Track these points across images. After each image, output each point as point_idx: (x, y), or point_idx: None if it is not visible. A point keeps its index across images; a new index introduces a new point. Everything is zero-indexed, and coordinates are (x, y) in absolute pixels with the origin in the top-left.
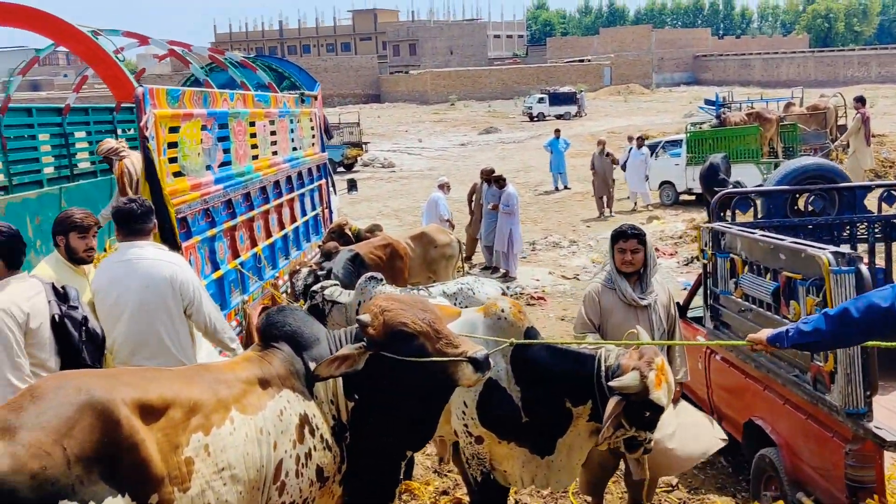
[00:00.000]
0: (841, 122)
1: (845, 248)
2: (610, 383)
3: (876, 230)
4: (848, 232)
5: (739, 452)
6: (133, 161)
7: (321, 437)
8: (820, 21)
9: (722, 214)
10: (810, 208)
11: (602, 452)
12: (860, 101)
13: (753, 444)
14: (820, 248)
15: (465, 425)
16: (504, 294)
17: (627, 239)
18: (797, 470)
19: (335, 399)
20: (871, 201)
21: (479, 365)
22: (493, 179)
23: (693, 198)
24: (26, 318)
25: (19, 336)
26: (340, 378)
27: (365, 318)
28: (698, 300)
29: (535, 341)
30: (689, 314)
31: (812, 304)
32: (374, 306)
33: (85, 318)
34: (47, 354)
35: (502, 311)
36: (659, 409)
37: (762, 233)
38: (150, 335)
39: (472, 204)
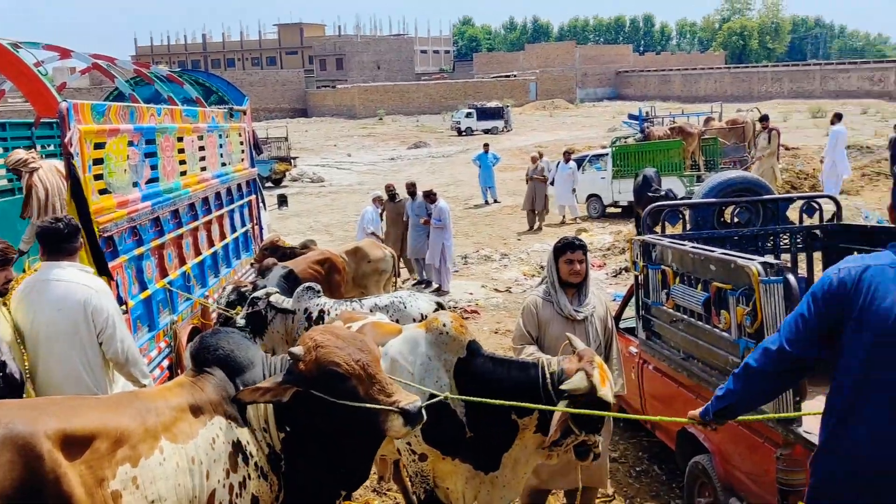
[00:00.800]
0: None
1: (770, 258)
2: (561, 387)
3: (798, 240)
4: (772, 242)
5: (673, 461)
6: (45, 174)
7: (255, 465)
8: (735, 38)
9: (652, 227)
10: (736, 220)
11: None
12: (765, 119)
13: (687, 452)
14: (749, 258)
15: (409, 443)
16: (440, 307)
17: (575, 250)
18: (730, 476)
19: (267, 427)
20: (792, 213)
21: (411, 418)
22: (424, 194)
23: (619, 210)
24: None
25: None
26: (271, 407)
27: (298, 351)
28: (630, 311)
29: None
30: (622, 325)
31: (742, 314)
32: (310, 339)
33: (3, 364)
34: None
35: (444, 325)
36: (606, 408)
37: (692, 245)
38: (64, 360)
39: (386, 221)
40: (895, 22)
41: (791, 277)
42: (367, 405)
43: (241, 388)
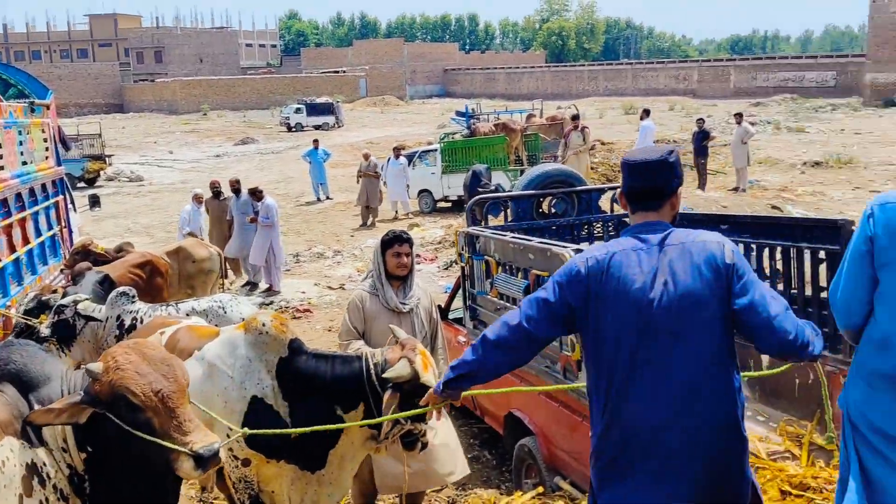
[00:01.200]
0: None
1: (585, 246)
2: (385, 375)
3: (610, 228)
4: (586, 231)
5: (502, 445)
6: None
7: (54, 487)
8: (554, 38)
9: (476, 219)
10: (553, 210)
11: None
12: (576, 118)
13: (514, 436)
14: (563, 246)
15: (231, 449)
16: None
17: (402, 243)
18: (553, 456)
19: (67, 447)
20: (605, 203)
21: (202, 462)
22: (250, 192)
23: (450, 205)
24: None
25: None
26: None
27: (95, 368)
28: (458, 302)
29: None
30: (451, 315)
31: None
32: (111, 358)
33: None
34: None
35: (263, 325)
36: None
37: (512, 235)
38: None
39: (209, 220)
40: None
41: None
42: (159, 441)
43: (36, 405)
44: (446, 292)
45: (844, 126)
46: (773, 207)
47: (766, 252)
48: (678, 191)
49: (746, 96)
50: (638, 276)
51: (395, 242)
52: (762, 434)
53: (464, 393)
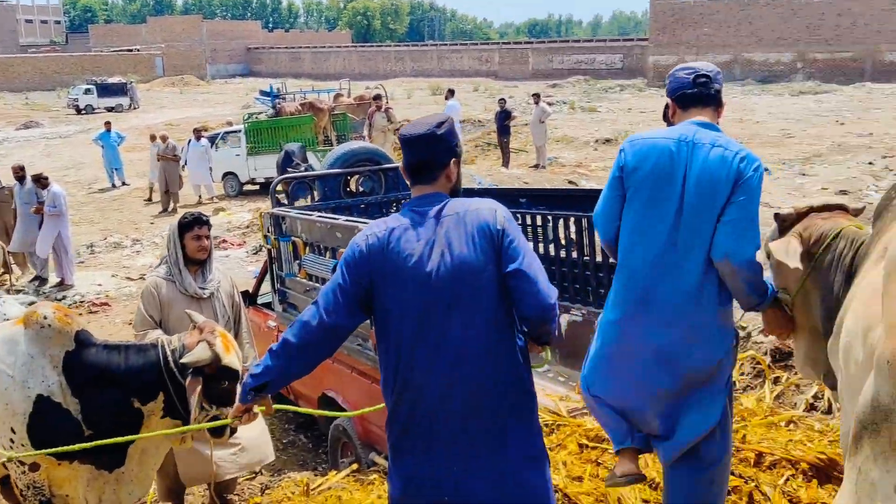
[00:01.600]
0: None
1: None
2: (183, 360)
3: None
4: (395, 208)
5: (317, 427)
6: None
7: None
8: (360, 18)
9: (281, 199)
10: (361, 189)
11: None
12: (378, 98)
13: (328, 418)
14: (363, 222)
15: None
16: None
17: (202, 225)
18: (368, 433)
19: None
20: None
21: None
22: (34, 178)
23: (257, 187)
24: None
25: None
26: None
27: None
28: (267, 286)
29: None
30: (260, 300)
31: None
32: None
33: None
34: None
35: (45, 317)
36: (234, 376)
37: (319, 214)
38: None
39: None
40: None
41: None
42: None
43: None
44: (255, 277)
45: (631, 106)
46: (570, 182)
47: (562, 222)
48: (451, 163)
49: (544, 78)
50: (416, 249)
51: (194, 225)
52: (563, 393)
53: (275, 406)
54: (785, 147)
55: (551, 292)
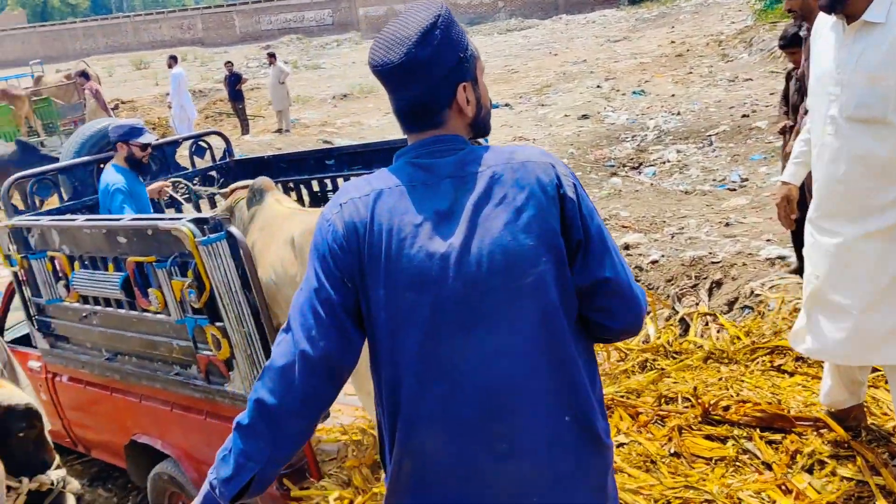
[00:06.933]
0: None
1: (206, 214)
2: None
3: (196, 185)
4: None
5: (120, 477)
6: None
7: None
8: None
9: (17, 207)
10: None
11: None
12: (84, 76)
13: (142, 466)
14: (174, 219)
15: None
16: None
17: None
18: (206, 474)
19: None
20: (183, 159)
21: None
22: None
23: None
24: None
25: None
26: None
27: None
28: (15, 318)
29: None
30: (8, 336)
31: (181, 288)
32: None
33: None
34: None
35: None
36: (28, 416)
37: (85, 217)
38: None
39: None
40: None
41: (234, 230)
42: None
43: None
44: None
45: (354, 59)
46: (325, 142)
47: None
48: (461, 88)
49: (254, 40)
50: (422, 226)
51: None
52: None
53: None
54: (515, 82)
55: (643, 295)
